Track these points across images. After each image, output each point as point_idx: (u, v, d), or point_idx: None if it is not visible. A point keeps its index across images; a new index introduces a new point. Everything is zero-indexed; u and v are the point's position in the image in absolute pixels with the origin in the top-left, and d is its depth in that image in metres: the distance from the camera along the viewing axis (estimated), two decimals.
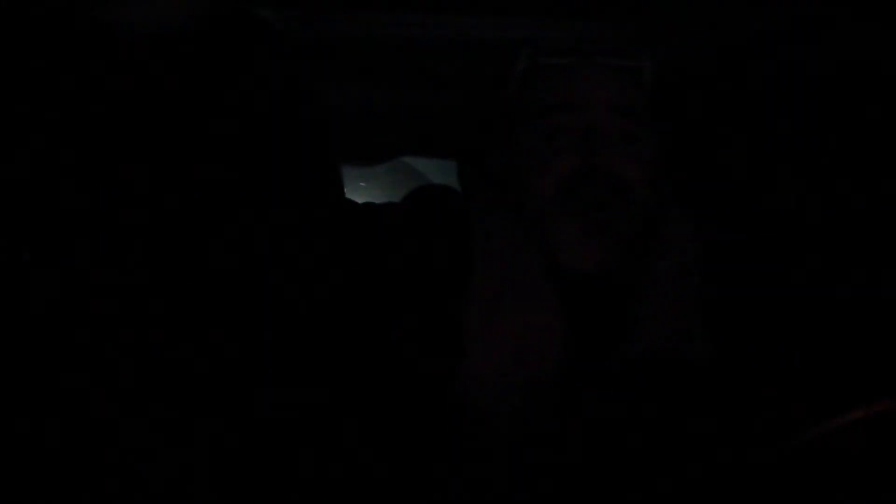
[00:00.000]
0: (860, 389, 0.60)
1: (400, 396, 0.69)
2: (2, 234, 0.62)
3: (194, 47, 0.66)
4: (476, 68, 1.18)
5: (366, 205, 0.87)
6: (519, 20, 1.15)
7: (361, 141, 2.01)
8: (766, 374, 0.67)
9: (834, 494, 0.52)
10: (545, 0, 1.10)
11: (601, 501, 0.64)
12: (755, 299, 0.73)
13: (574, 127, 0.69)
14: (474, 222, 0.77)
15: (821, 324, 0.70)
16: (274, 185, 0.68)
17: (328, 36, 1.18)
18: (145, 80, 0.64)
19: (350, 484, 0.67)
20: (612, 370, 0.68)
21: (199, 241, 0.65)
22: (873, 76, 0.97)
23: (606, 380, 0.68)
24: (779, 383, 0.66)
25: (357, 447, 0.68)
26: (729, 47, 1.13)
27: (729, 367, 0.67)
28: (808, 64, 1.05)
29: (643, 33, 1.19)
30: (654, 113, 1.45)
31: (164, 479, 0.63)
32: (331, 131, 0.78)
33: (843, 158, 1.01)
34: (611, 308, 0.70)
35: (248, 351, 0.65)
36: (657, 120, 1.46)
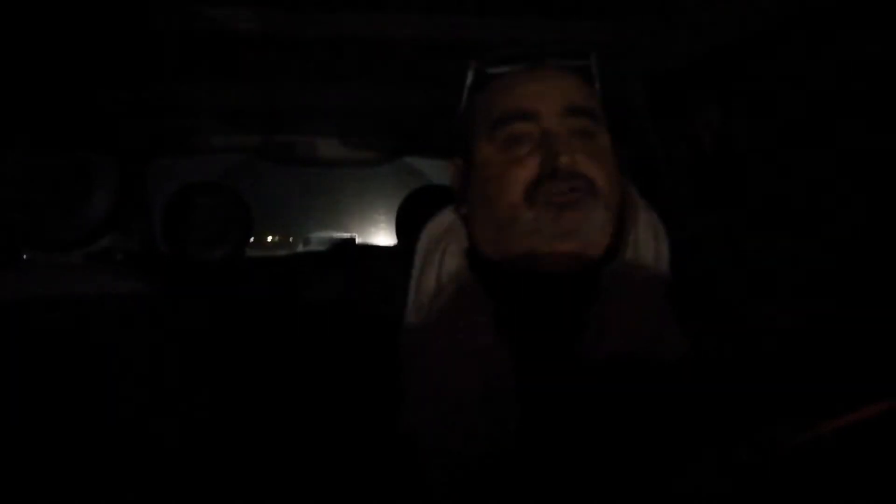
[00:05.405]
0: (846, 386, 0.59)
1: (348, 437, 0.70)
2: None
3: None
4: None
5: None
6: (516, 20, 1.15)
7: (361, 141, 2.01)
8: (746, 372, 0.65)
9: (832, 495, 0.52)
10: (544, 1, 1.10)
11: None
12: (736, 297, 0.72)
13: (531, 133, 0.70)
14: (416, 250, 0.77)
15: (804, 322, 0.69)
16: None
17: (327, 36, 1.18)
18: None
19: None
20: (574, 375, 0.67)
21: None
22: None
23: (569, 386, 0.67)
24: (758, 381, 0.65)
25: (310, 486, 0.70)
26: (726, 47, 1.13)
27: (705, 365, 0.66)
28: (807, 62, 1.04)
29: (642, 33, 1.19)
30: (654, 112, 1.45)
31: None
32: None
33: (839, 155, 1.01)
34: (572, 312, 0.70)
35: None
36: (657, 119, 1.47)
